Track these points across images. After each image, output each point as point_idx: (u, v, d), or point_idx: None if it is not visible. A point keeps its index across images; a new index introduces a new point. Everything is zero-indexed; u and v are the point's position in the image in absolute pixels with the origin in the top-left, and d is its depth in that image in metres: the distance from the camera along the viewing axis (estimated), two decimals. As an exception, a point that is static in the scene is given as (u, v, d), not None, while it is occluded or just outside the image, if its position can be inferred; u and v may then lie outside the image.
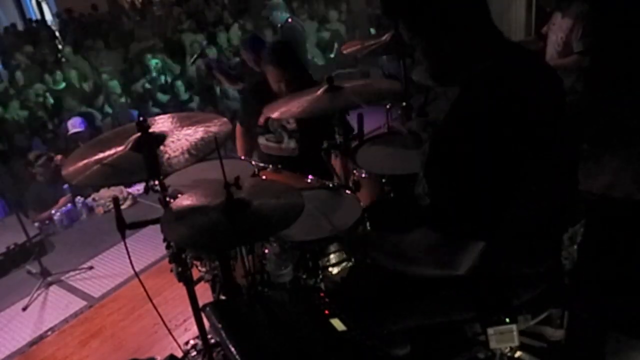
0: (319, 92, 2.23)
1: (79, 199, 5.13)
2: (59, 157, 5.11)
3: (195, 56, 4.38)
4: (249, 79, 3.96)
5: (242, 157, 2.75)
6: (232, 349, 1.36)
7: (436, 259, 1.36)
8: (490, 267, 1.41)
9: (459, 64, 1.42)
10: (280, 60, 2.93)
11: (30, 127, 6.04)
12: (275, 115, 2.24)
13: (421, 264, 1.40)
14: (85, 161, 1.82)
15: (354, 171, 2.40)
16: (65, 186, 5.20)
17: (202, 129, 1.90)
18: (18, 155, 5.57)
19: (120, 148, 1.84)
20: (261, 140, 3.14)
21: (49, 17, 12.66)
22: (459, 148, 1.33)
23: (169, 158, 1.76)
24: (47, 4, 13.40)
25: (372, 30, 7.45)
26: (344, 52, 2.90)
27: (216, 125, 1.94)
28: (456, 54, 1.40)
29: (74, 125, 5.57)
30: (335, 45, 7.59)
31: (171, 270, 2.06)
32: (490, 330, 1.52)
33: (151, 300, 2.03)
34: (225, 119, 2.00)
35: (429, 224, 1.37)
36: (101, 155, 1.83)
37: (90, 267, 4.01)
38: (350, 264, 2.03)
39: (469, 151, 1.30)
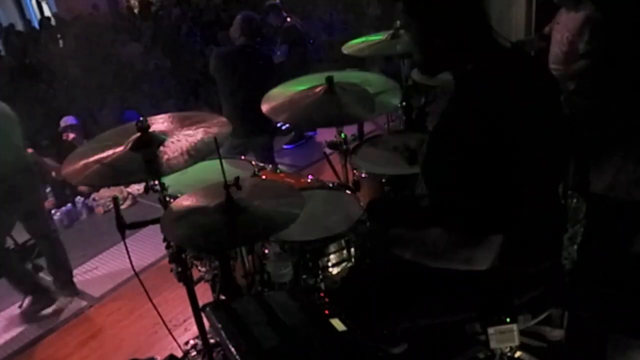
0: (318, 92, 2.22)
1: (79, 198, 5.13)
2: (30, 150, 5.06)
3: None
4: None
5: (243, 157, 2.76)
6: (232, 349, 1.36)
7: (460, 255, 1.38)
8: (491, 266, 1.41)
9: (447, 60, 1.43)
10: None
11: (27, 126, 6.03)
12: (264, 108, 2.22)
13: (448, 259, 1.42)
14: (84, 161, 1.82)
15: (354, 171, 2.40)
16: (48, 189, 5.19)
17: (201, 129, 1.90)
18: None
19: (119, 148, 1.84)
20: None
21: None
22: (454, 148, 1.34)
23: (168, 159, 1.76)
24: (47, 4, 13.40)
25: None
26: (344, 52, 2.90)
27: (216, 126, 1.94)
28: (445, 49, 1.41)
29: (66, 120, 5.56)
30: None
31: (171, 270, 2.06)
32: (490, 330, 1.52)
33: (151, 300, 2.03)
34: (224, 119, 2.01)
35: (441, 224, 1.37)
36: (100, 155, 1.83)
37: (91, 268, 4.01)
38: (350, 264, 2.03)
39: (462, 151, 1.31)
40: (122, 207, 4.64)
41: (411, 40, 1.48)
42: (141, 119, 1.85)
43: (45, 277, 3.85)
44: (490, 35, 1.44)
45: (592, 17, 3.28)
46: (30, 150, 4.92)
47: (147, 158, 1.77)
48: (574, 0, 3.38)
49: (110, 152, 1.84)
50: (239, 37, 3.94)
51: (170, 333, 2.31)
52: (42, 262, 3.95)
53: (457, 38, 1.40)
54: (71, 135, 5.34)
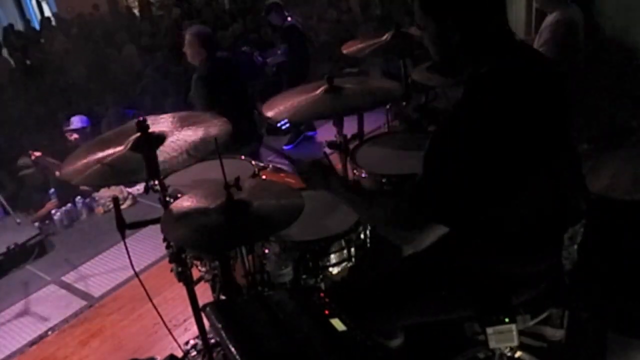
0: (318, 91, 2.23)
1: (79, 198, 5.13)
2: (38, 154, 5.03)
3: None
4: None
5: (243, 158, 2.75)
6: (232, 349, 1.36)
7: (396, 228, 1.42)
8: (490, 266, 1.41)
9: (465, 58, 1.41)
10: None
11: (31, 125, 6.04)
12: (270, 114, 2.23)
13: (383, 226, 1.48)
14: (84, 161, 1.83)
15: (354, 171, 2.40)
16: (52, 190, 5.19)
17: (201, 129, 1.90)
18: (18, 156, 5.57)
19: (119, 148, 1.84)
20: None
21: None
22: (461, 145, 1.33)
23: (168, 158, 1.76)
24: (47, 3, 13.39)
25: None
26: (344, 52, 2.89)
27: (216, 126, 1.94)
28: (464, 47, 1.39)
29: (74, 122, 5.54)
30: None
31: (171, 270, 2.06)
32: (489, 330, 1.52)
33: (151, 300, 2.03)
34: (225, 119, 2.00)
35: (408, 198, 1.38)
36: (101, 155, 1.83)
37: (91, 268, 4.02)
38: (350, 264, 2.03)
39: (471, 149, 1.30)
40: (122, 207, 4.63)
41: (427, 39, 1.44)
42: (141, 118, 1.85)
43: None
44: (509, 31, 1.41)
45: (560, 19, 3.25)
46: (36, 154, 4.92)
47: (147, 158, 1.77)
48: (548, 3, 3.37)
49: (110, 151, 1.84)
50: (205, 56, 3.71)
51: (171, 333, 2.31)
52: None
53: (476, 35, 1.37)
54: (74, 136, 5.33)
